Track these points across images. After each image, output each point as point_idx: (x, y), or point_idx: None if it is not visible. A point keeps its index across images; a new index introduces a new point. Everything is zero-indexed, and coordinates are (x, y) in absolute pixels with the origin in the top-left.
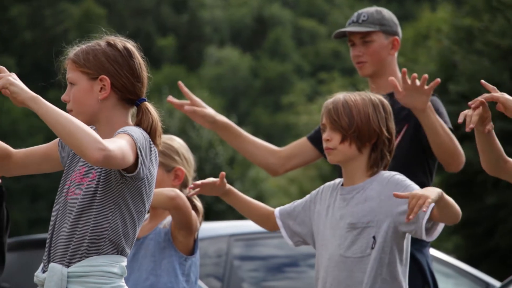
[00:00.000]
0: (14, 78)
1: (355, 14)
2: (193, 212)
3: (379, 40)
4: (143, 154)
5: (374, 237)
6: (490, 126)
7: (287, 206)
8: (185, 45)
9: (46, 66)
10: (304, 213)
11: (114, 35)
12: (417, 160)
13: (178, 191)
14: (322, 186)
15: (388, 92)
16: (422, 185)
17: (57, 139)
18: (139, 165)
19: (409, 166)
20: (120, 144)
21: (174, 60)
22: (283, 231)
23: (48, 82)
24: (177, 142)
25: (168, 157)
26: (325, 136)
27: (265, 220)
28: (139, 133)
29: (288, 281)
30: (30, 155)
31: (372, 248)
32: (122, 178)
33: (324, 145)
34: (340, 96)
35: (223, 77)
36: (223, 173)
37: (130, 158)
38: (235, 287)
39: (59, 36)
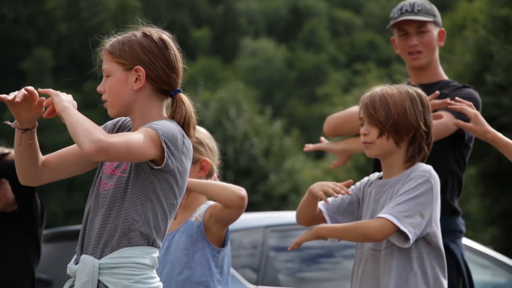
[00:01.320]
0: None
1: (406, 3)
2: None
3: (432, 31)
4: (171, 147)
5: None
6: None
7: (332, 200)
8: (220, 36)
9: (82, 58)
10: (352, 206)
11: (150, 26)
12: (448, 147)
13: (245, 191)
14: (366, 178)
15: (430, 82)
16: (452, 173)
17: None
18: (166, 157)
19: (439, 152)
20: (129, 138)
21: (209, 52)
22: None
23: (84, 75)
24: (201, 133)
25: (193, 150)
26: (362, 130)
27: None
28: (168, 126)
29: (323, 272)
30: (64, 158)
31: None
32: (152, 171)
33: (362, 139)
34: (378, 89)
35: (258, 69)
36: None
37: (145, 152)
38: (270, 278)
39: (95, 28)
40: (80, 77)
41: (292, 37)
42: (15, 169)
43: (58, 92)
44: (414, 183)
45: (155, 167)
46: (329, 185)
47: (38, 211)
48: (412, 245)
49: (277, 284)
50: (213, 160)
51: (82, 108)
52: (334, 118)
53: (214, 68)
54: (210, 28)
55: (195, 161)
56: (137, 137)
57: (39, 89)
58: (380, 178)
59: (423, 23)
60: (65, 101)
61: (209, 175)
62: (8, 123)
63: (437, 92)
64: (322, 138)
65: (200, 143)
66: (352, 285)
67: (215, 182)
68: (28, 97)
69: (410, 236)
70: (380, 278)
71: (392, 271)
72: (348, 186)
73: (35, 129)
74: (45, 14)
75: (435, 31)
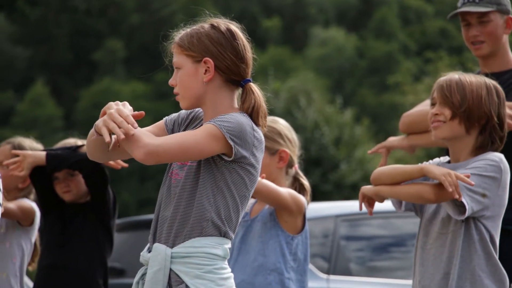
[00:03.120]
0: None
1: None
2: (300, 196)
3: (495, 20)
4: (238, 141)
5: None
6: None
7: None
8: (290, 26)
9: (153, 48)
10: None
11: (218, 17)
12: None
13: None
14: (436, 159)
15: (501, 71)
16: None
17: (163, 122)
18: (234, 152)
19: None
20: (182, 138)
21: (279, 41)
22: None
23: (158, 69)
24: (280, 124)
25: (271, 140)
26: (434, 110)
27: None
28: (235, 120)
29: (394, 261)
30: None
31: (462, 223)
32: (221, 162)
33: (433, 119)
34: (455, 75)
35: (328, 58)
36: None
37: (203, 149)
38: (342, 267)
39: (166, 19)
40: (152, 72)
41: (362, 26)
42: (89, 162)
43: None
44: (483, 163)
45: (227, 158)
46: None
47: (111, 203)
48: (474, 228)
49: (348, 273)
50: (293, 151)
51: (153, 99)
52: (408, 116)
53: (284, 58)
54: (280, 18)
55: (273, 152)
56: (192, 136)
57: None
58: (449, 162)
59: (484, 13)
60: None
61: (289, 166)
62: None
63: None
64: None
65: (279, 134)
66: (416, 268)
67: (265, 182)
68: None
69: (467, 207)
70: (445, 261)
71: (457, 254)
72: None
73: None
74: (117, 5)
75: (500, 19)
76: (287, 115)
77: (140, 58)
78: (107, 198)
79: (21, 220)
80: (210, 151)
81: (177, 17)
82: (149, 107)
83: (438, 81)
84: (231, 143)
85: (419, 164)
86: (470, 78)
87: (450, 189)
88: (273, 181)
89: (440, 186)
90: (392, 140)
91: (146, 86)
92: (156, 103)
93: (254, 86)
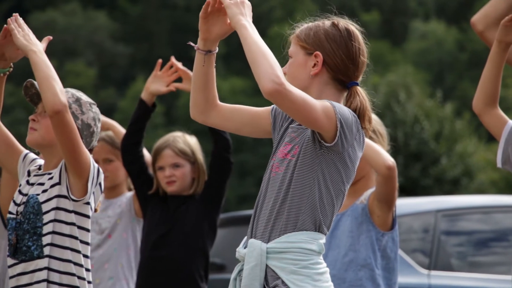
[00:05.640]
0: None
1: None
2: None
3: None
4: (345, 128)
5: None
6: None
7: None
8: (389, 19)
9: None
10: None
11: (341, 17)
12: None
13: (394, 162)
14: None
15: None
16: None
17: (270, 108)
18: (338, 136)
19: None
20: (308, 97)
21: (378, 35)
22: (500, 151)
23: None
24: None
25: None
26: None
27: None
28: (345, 110)
29: (495, 256)
30: (238, 111)
31: None
32: (321, 149)
33: None
34: None
35: (428, 51)
36: None
37: (317, 117)
38: (443, 263)
39: (264, 14)
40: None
41: (463, 18)
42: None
43: (231, 3)
44: None
45: (326, 144)
46: None
47: (223, 200)
48: None
49: (449, 269)
50: (383, 145)
51: (252, 95)
52: (479, 13)
53: (384, 52)
54: (379, 11)
55: None
56: (315, 101)
57: None
58: None
59: None
60: (243, 15)
61: None
62: (191, 44)
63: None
64: None
65: (372, 129)
66: None
67: (372, 143)
68: (214, 6)
69: None
70: None
71: None
72: None
73: (215, 55)
74: None
75: None
76: (386, 110)
77: (239, 53)
78: (223, 192)
79: (137, 212)
80: (320, 123)
81: (276, 13)
82: (249, 103)
83: None
84: (338, 125)
85: None
86: None
87: None
88: (364, 176)
89: None
90: None
91: (245, 82)
92: (256, 99)
93: (360, 89)
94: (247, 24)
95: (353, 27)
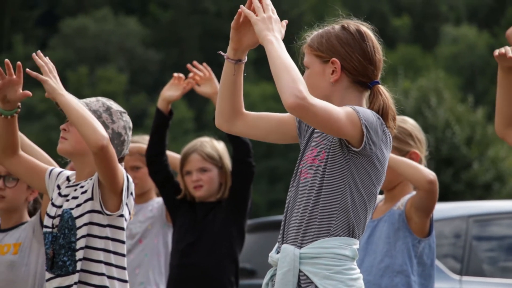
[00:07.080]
0: None
1: None
2: None
3: None
4: (371, 132)
5: None
6: None
7: None
8: (420, 24)
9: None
10: None
11: (350, 18)
12: None
13: (435, 175)
14: None
15: None
16: None
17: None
18: (365, 141)
19: None
20: (331, 108)
21: (409, 40)
22: None
23: None
24: (410, 124)
25: (402, 142)
26: None
27: None
28: (369, 113)
29: None
30: (263, 119)
31: None
32: (349, 154)
33: None
34: None
35: (459, 56)
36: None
37: (341, 127)
38: (474, 268)
39: (294, 19)
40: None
41: (494, 23)
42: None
43: (258, 19)
44: None
45: (354, 149)
46: None
47: (249, 205)
48: None
49: (481, 274)
50: (422, 151)
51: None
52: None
53: (414, 57)
54: (410, 16)
55: (404, 153)
56: (338, 110)
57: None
58: None
59: None
60: (269, 30)
61: None
62: (222, 53)
63: None
64: None
65: (410, 135)
66: None
67: (408, 160)
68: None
69: None
70: None
71: None
72: None
73: (244, 64)
74: (244, 4)
75: None
76: (417, 115)
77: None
78: (248, 197)
79: (168, 218)
80: (346, 132)
81: (306, 17)
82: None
83: None
84: (364, 130)
85: None
86: None
87: None
88: (401, 182)
89: None
90: None
91: (275, 88)
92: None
93: (382, 88)
94: (273, 39)
95: (364, 27)
